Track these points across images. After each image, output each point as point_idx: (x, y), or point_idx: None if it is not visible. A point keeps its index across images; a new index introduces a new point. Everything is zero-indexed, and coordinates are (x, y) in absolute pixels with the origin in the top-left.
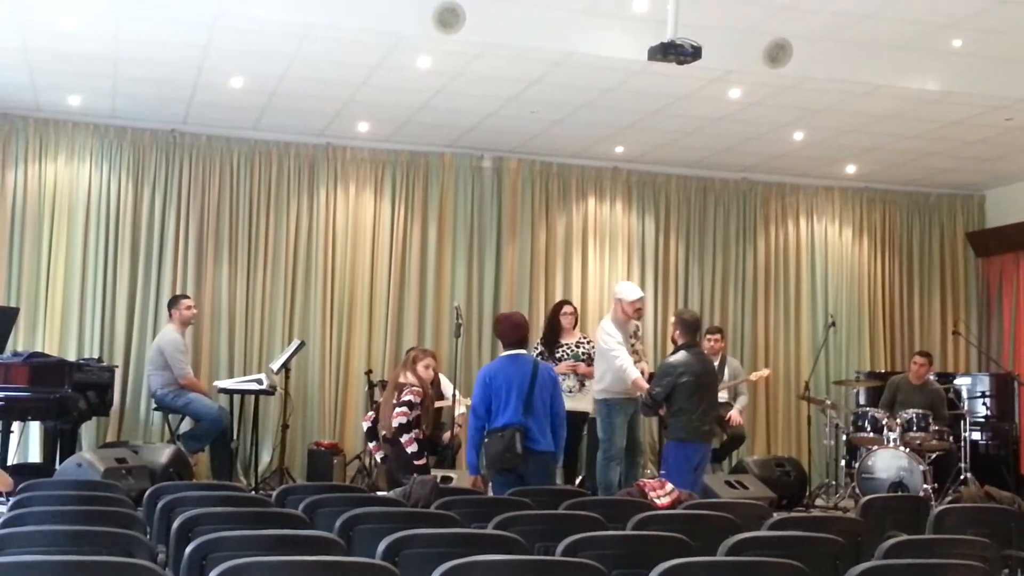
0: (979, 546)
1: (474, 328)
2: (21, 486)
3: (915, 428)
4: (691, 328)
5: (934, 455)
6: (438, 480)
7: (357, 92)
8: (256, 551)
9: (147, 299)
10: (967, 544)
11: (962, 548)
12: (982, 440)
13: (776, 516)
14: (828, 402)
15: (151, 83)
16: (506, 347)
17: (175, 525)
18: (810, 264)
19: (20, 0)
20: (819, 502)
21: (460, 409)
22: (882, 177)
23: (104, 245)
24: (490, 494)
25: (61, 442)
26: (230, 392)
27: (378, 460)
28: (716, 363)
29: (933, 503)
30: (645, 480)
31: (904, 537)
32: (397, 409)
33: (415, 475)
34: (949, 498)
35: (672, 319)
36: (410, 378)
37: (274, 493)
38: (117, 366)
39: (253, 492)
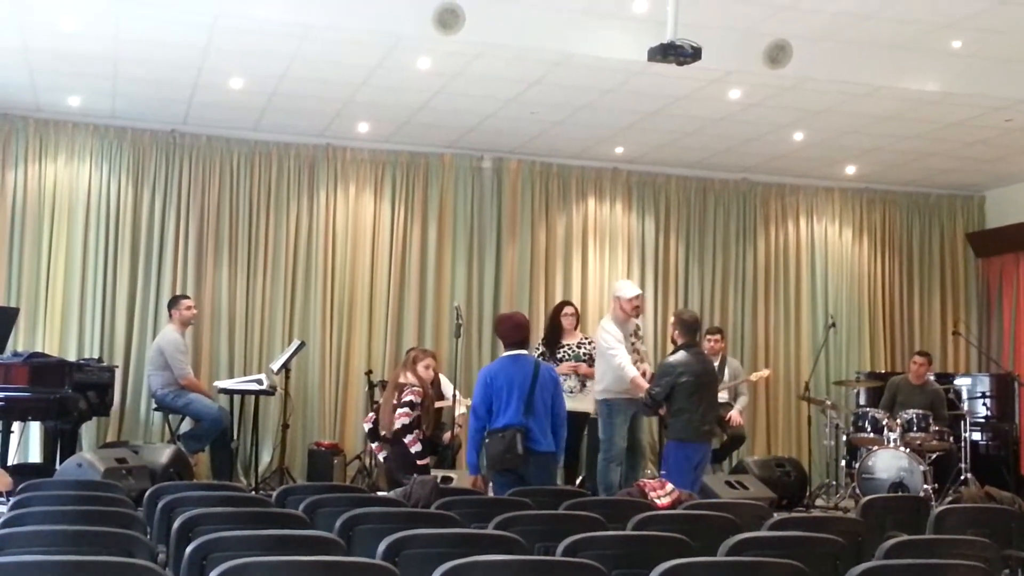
0: (979, 546)
1: (474, 328)
2: (21, 486)
3: (915, 428)
4: (690, 328)
5: (934, 455)
6: (438, 480)
7: (357, 92)
8: (256, 551)
9: (147, 299)
10: (967, 544)
11: (962, 548)
12: (982, 440)
13: (776, 516)
14: (828, 402)
15: (151, 83)
16: (507, 347)
17: (175, 525)
18: (810, 264)
19: (20, 0)
20: (819, 502)
21: (460, 409)
22: (882, 178)
23: (104, 245)
24: (490, 494)
25: (61, 442)
26: (230, 392)
27: (380, 460)
28: (716, 363)
29: (933, 503)
30: (645, 480)
31: (904, 537)
32: (399, 410)
33: (415, 475)
34: (949, 498)
35: (672, 319)
36: (410, 378)
37: (274, 493)
38: (117, 366)
39: (253, 492)
